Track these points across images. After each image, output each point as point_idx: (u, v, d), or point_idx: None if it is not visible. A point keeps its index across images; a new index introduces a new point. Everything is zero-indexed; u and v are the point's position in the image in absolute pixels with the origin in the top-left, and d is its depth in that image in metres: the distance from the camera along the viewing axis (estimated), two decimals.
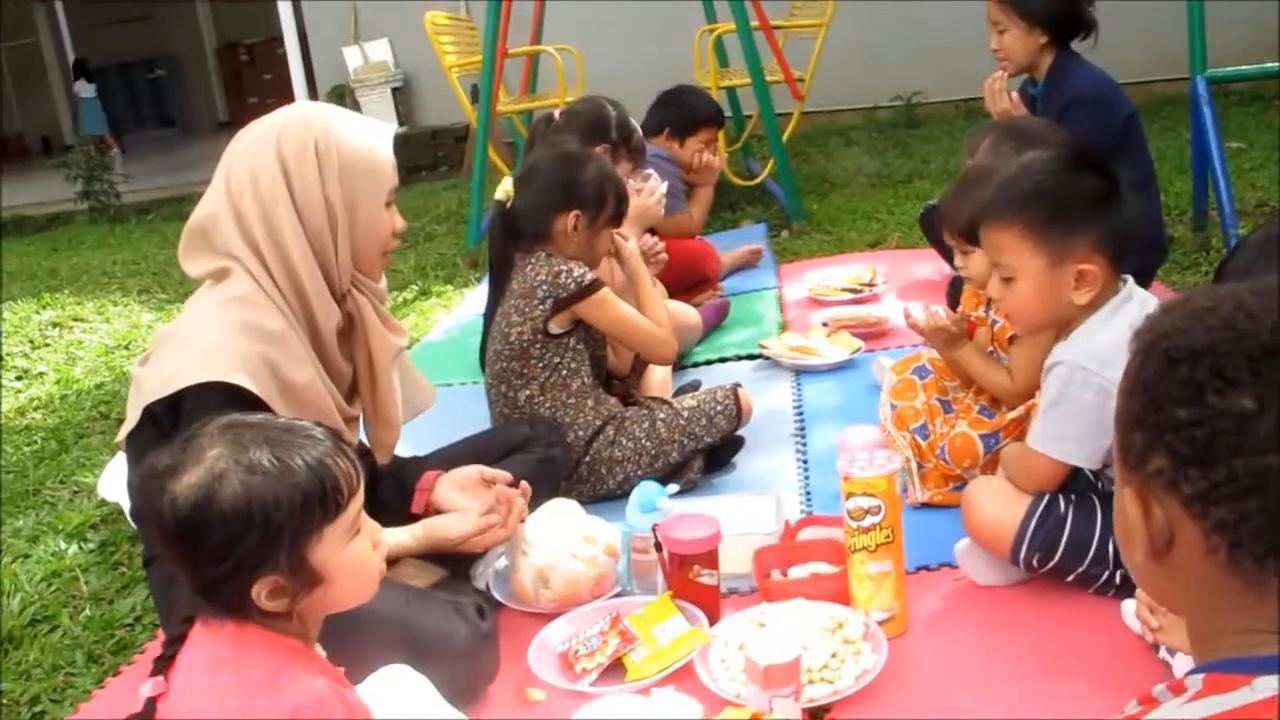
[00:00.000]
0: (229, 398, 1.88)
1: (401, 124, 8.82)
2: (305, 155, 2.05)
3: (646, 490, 2.31)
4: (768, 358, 3.67)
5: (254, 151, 2.08)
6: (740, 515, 2.49)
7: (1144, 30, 6.68)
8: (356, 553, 1.55)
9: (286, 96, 8.12)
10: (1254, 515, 0.89)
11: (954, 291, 3.56)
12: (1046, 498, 2.14)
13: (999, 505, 2.18)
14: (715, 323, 4.07)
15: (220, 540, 1.43)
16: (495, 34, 5.43)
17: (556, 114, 3.81)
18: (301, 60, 8.07)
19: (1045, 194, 2.07)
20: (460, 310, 4.85)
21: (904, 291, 4.30)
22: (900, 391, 2.79)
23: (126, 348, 5.17)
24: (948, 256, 4.25)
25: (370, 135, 2.14)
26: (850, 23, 6.23)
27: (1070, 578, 2.15)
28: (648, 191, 3.55)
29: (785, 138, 5.79)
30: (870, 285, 4.29)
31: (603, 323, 2.86)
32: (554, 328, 2.81)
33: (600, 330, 2.90)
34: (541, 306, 2.78)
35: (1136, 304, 2.08)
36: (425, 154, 8.70)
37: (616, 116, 3.73)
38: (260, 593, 1.46)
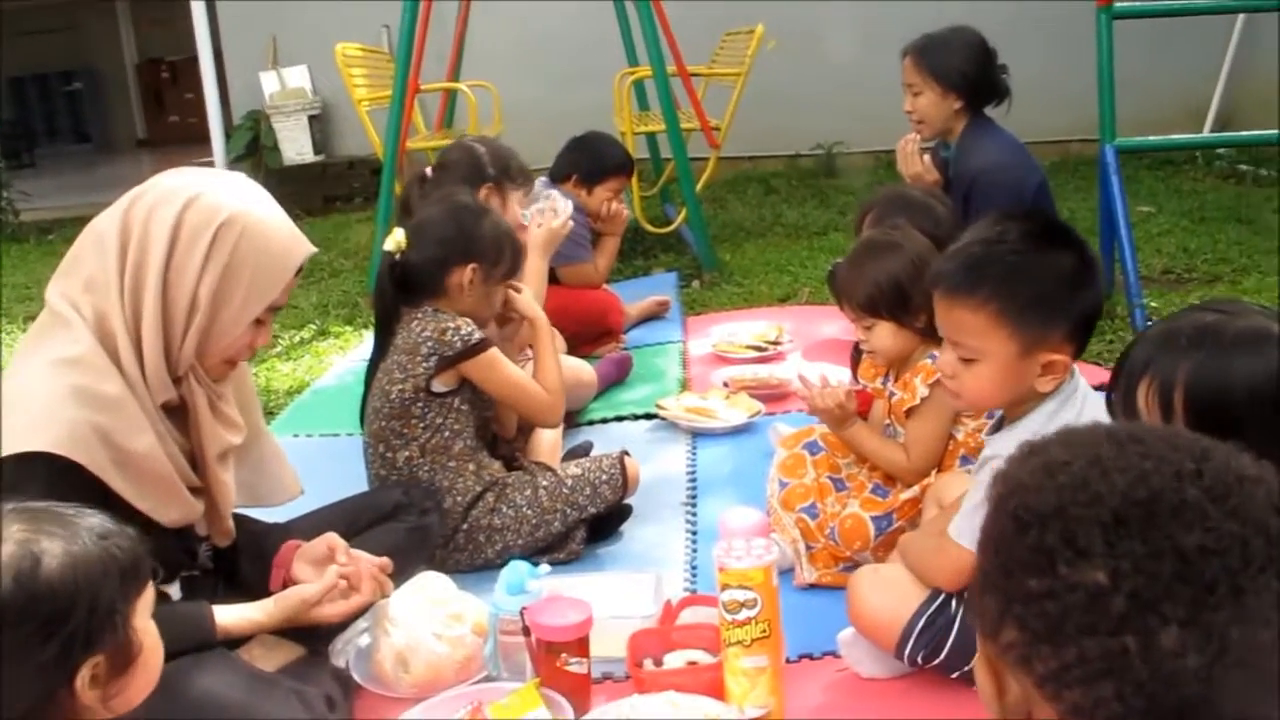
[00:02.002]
0: (55, 469, 1.74)
1: (318, 153, 8.63)
2: (200, 236, 1.93)
3: (515, 570, 2.19)
4: (664, 418, 3.57)
5: (165, 197, 1.95)
6: (618, 595, 2.37)
7: (1060, 90, 6.74)
8: (152, 629, 1.45)
9: (205, 118, 7.96)
10: (1110, 701, 0.80)
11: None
12: (940, 596, 2.05)
13: (886, 598, 2.09)
14: (615, 378, 3.97)
15: (48, 616, 1.31)
16: (407, 68, 5.31)
17: (429, 170, 3.71)
18: (217, 82, 7.89)
19: (1025, 276, 1.89)
20: (356, 354, 4.68)
21: (810, 351, 4.24)
22: (790, 468, 2.70)
23: None
24: None
25: (278, 247, 2.01)
26: (774, 69, 6.20)
27: (956, 675, 2.06)
28: (550, 214, 3.44)
29: (700, 186, 5.74)
30: (776, 343, 4.22)
31: (489, 384, 2.75)
32: (438, 386, 2.69)
33: (486, 391, 2.78)
34: (425, 364, 2.66)
35: (1080, 397, 1.96)
36: (341, 185, 8.52)
37: (487, 152, 3.63)
38: (84, 680, 1.33)
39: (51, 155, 16.23)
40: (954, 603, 2.04)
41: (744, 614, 1.94)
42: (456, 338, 2.65)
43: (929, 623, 2.03)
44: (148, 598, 1.43)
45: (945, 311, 1.97)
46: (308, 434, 3.76)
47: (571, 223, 3.49)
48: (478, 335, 2.68)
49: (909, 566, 2.12)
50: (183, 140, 14.23)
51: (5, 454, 1.75)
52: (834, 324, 4.45)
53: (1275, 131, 5.02)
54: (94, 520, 1.40)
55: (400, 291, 2.77)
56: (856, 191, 7.58)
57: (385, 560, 2.20)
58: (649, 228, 5.89)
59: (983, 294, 1.91)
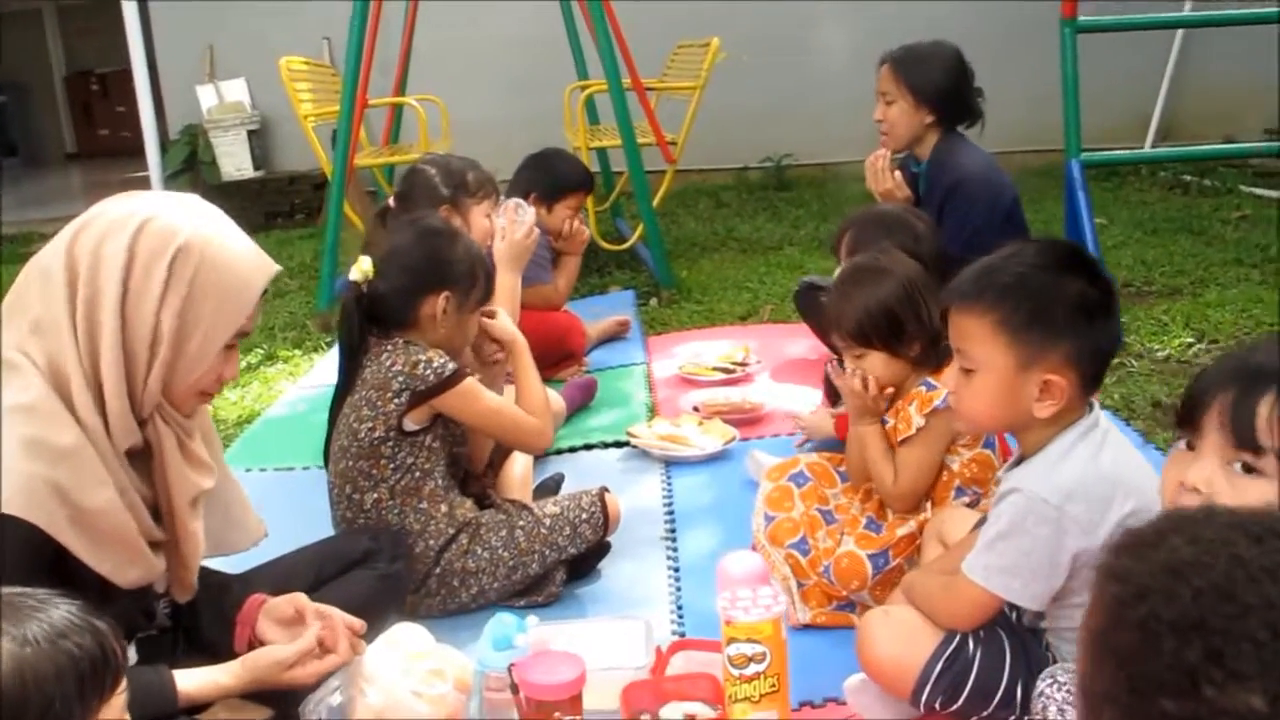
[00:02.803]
0: (6, 530, 1.60)
1: (257, 168, 8.40)
2: (156, 264, 1.77)
3: (501, 624, 2.06)
4: (636, 446, 3.45)
5: (113, 227, 1.79)
6: (607, 644, 2.24)
7: (1014, 102, 6.71)
8: None
9: (138, 131, 7.72)
10: None
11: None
12: (957, 637, 1.95)
13: (900, 641, 1.98)
14: (581, 403, 3.84)
15: None
16: (355, 83, 5.14)
17: (390, 202, 3.57)
18: (152, 96, 7.66)
19: (1031, 290, 1.85)
20: (308, 381, 4.51)
21: (778, 372, 4.14)
22: (776, 501, 2.59)
23: None
24: (823, 337, 4.12)
25: (242, 268, 1.86)
26: (722, 81, 6.10)
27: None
28: (514, 226, 3.31)
29: (657, 201, 5.62)
30: (743, 365, 4.12)
31: (468, 416, 2.60)
32: (409, 424, 2.53)
33: (465, 423, 2.63)
34: (396, 400, 2.51)
35: (1100, 433, 1.89)
36: (282, 201, 8.29)
37: (439, 171, 3.50)
38: None
39: None
40: (971, 644, 1.95)
41: (752, 668, 1.83)
42: (429, 370, 2.51)
43: (947, 665, 1.93)
44: (118, 700, 1.28)
45: (954, 319, 1.95)
46: (260, 468, 3.58)
47: (537, 232, 3.36)
48: (451, 366, 2.53)
49: (919, 608, 2.02)
50: (114, 154, 13.89)
51: None
52: (800, 343, 4.38)
53: (1261, 144, 5.03)
54: (56, 613, 1.24)
55: (369, 322, 2.63)
56: (808, 204, 7.53)
57: (359, 622, 2.05)
58: (604, 244, 5.77)
59: (986, 301, 1.89)
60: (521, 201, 3.41)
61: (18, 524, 1.62)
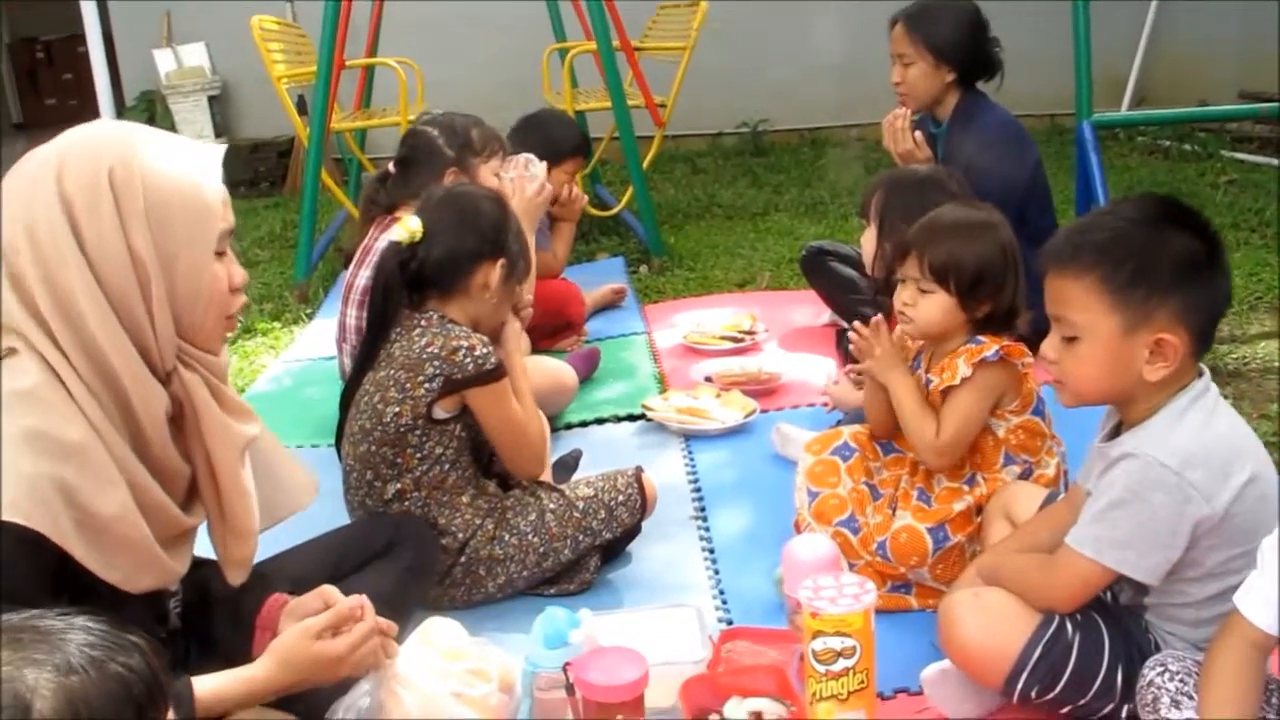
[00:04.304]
0: (11, 537, 1.41)
1: (219, 135, 8.10)
2: (97, 193, 1.54)
3: (553, 620, 1.89)
4: (652, 419, 3.28)
5: (30, 190, 1.56)
6: (659, 636, 2.08)
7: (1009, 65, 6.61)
8: None
9: (89, 99, 7.40)
10: None
11: (846, 343, 3.25)
12: (1055, 620, 1.81)
13: (992, 627, 1.84)
14: (586, 374, 3.67)
15: None
16: (332, 43, 4.91)
17: (390, 167, 3.36)
18: (106, 62, 7.34)
19: (1130, 246, 1.73)
20: (290, 354, 4.29)
21: (786, 340, 3.99)
22: (820, 476, 2.43)
23: None
24: (832, 303, 3.97)
25: (188, 161, 1.63)
26: (696, 47, 5.95)
27: (1066, 710, 1.83)
28: (525, 182, 3.11)
29: (645, 166, 5.44)
30: (750, 334, 3.96)
31: (488, 417, 2.39)
32: (439, 412, 2.34)
33: (479, 421, 2.41)
34: (428, 385, 2.32)
35: (1213, 397, 1.76)
36: (245, 169, 7.98)
37: (440, 131, 3.30)
38: None
39: None
40: (1069, 627, 1.81)
41: (840, 664, 1.68)
42: (469, 359, 2.31)
43: (1045, 651, 1.79)
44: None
45: (1050, 283, 1.81)
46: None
47: (549, 188, 3.17)
48: (493, 360, 2.34)
49: (1010, 589, 1.87)
50: (63, 123, 13.42)
51: None
52: (804, 309, 4.24)
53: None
54: (88, 634, 1.07)
55: (412, 288, 2.43)
56: (788, 170, 7.39)
57: (392, 625, 1.87)
58: (591, 210, 5.58)
59: (1085, 262, 1.75)
60: (531, 157, 3.22)
61: (20, 531, 1.42)
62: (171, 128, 7.97)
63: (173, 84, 7.98)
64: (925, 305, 2.34)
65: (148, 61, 8.16)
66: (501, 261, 2.43)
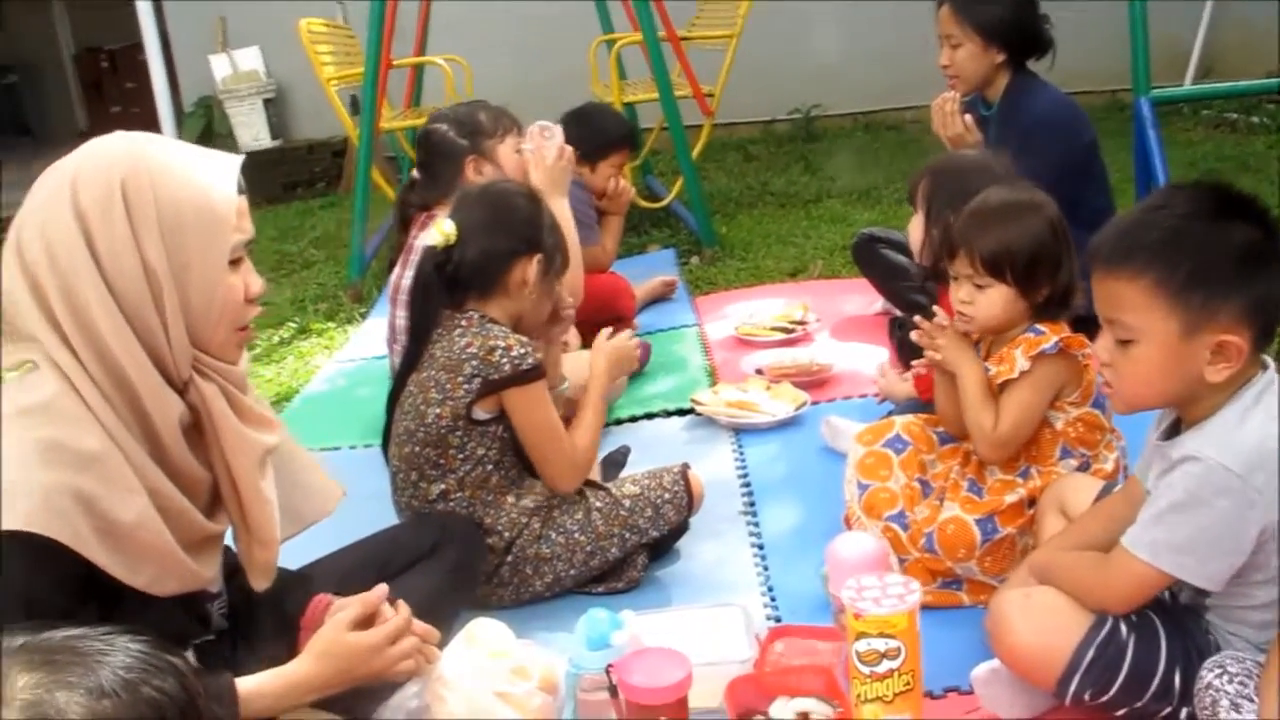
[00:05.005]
0: (27, 549, 1.42)
1: (275, 137, 8.19)
2: (110, 205, 1.55)
3: (596, 622, 1.88)
4: (701, 414, 3.25)
5: (48, 203, 1.57)
6: (705, 635, 2.06)
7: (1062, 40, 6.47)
8: None
9: (150, 106, 7.50)
10: None
11: (899, 331, 3.20)
12: (1109, 620, 1.76)
13: (1044, 626, 1.79)
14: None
15: None
16: (379, 43, 4.93)
17: (414, 173, 3.36)
18: (165, 69, 7.43)
19: (1185, 246, 1.64)
20: (345, 354, 4.32)
21: (839, 329, 3.95)
22: (871, 469, 2.39)
23: None
24: (884, 290, 3.92)
25: (202, 172, 1.63)
26: (747, 32, 5.88)
27: (1121, 712, 1.78)
28: (545, 149, 3.09)
29: (695, 156, 5.40)
30: (802, 324, 3.91)
31: (522, 420, 2.36)
32: (479, 413, 2.34)
33: (513, 424, 2.38)
34: (467, 386, 2.31)
35: (1276, 394, 1.68)
36: (301, 170, 8.07)
37: (449, 126, 3.28)
38: None
39: None
40: (1124, 628, 1.76)
41: (885, 665, 1.64)
42: (506, 360, 2.30)
43: (1099, 653, 1.74)
44: None
45: (1100, 285, 1.72)
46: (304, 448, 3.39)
47: (570, 150, 3.16)
48: (531, 360, 2.32)
49: (1063, 588, 1.82)
50: (127, 130, 13.70)
51: None
52: (855, 299, 4.18)
53: None
54: (126, 655, 1.07)
55: (450, 289, 2.42)
56: (840, 155, 7.30)
57: (434, 631, 1.86)
58: (641, 202, 5.56)
59: (1138, 263, 1.66)
60: (547, 123, 3.20)
61: (42, 542, 1.43)
62: (229, 132, 8.09)
63: (229, 88, 8.07)
64: (984, 300, 2.27)
65: (204, 67, 8.26)
66: (538, 257, 2.42)
